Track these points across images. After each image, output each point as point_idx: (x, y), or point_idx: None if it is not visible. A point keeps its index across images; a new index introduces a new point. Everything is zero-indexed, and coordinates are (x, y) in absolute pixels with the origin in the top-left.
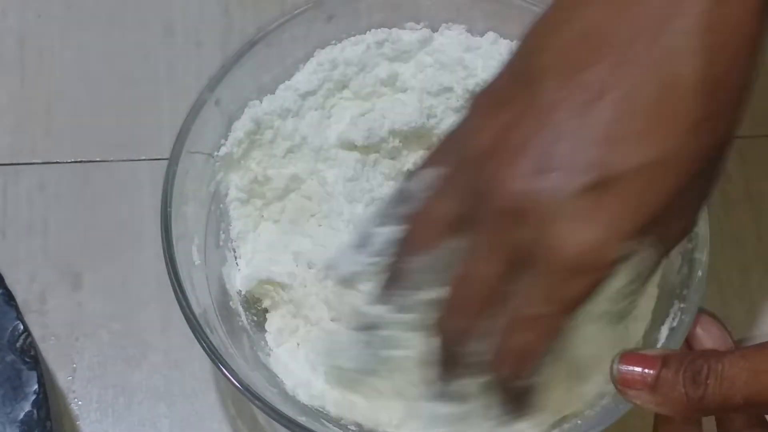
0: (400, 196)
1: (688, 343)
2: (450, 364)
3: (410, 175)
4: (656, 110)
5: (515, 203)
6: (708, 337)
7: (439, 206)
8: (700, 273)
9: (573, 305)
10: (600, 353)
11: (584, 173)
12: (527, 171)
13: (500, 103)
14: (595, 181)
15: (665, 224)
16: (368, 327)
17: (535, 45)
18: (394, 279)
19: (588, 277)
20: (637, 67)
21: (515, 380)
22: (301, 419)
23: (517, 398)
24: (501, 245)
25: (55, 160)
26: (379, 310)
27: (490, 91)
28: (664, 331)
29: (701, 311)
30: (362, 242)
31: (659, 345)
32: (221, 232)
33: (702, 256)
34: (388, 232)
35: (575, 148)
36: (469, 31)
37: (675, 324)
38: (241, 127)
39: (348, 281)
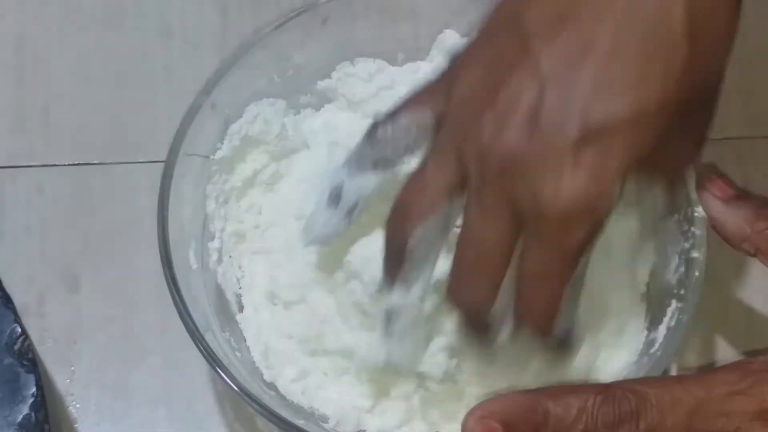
0: (370, 142)
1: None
2: (481, 331)
3: (379, 119)
4: (642, 60)
5: (510, 160)
6: (718, 188)
7: (434, 171)
8: (697, 272)
9: (577, 253)
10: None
11: (574, 126)
12: (519, 127)
13: (489, 57)
14: (584, 133)
15: (661, 158)
16: (387, 319)
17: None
18: (396, 259)
19: (584, 223)
20: (622, 18)
21: (545, 335)
22: (299, 422)
23: (557, 348)
24: (502, 204)
25: (52, 163)
26: (391, 297)
27: (477, 45)
28: (662, 330)
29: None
30: (334, 197)
31: (657, 344)
32: (218, 235)
33: (699, 255)
34: (360, 182)
35: (565, 101)
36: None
37: (673, 324)
38: (237, 131)
39: (324, 242)
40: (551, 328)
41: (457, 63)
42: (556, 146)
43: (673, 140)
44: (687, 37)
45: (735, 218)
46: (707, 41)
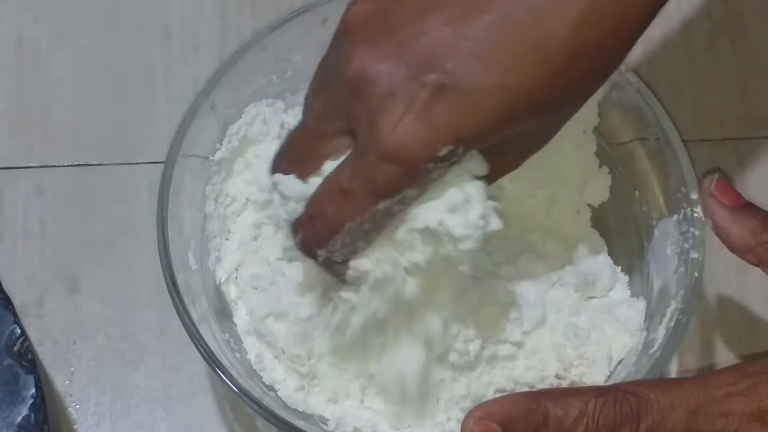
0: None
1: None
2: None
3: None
4: (523, 45)
5: (361, 78)
6: (724, 196)
7: (314, 106)
8: (696, 273)
9: (381, 192)
10: None
11: (435, 72)
12: (383, 53)
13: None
14: (442, 83)
15: (507, 146)
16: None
17: None
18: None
19: (400, 168)
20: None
21: (310, 249)
22: (299, 423)
23: (325, 265)
24: (340, 114)
25: (52, 164)
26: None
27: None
28: (661, 331)
29: (716, 175)
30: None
31: (656, 345)
32: (217, 236)
33: (699, 256)
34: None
35: (437, 50)
36: None
37: (672, 324)
38: (236, 131)
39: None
40: (321, 245)
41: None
42: (413, 84)
43: (529, 126)
44: (575, 29)
45: (740, 228)
46: (601, 31)
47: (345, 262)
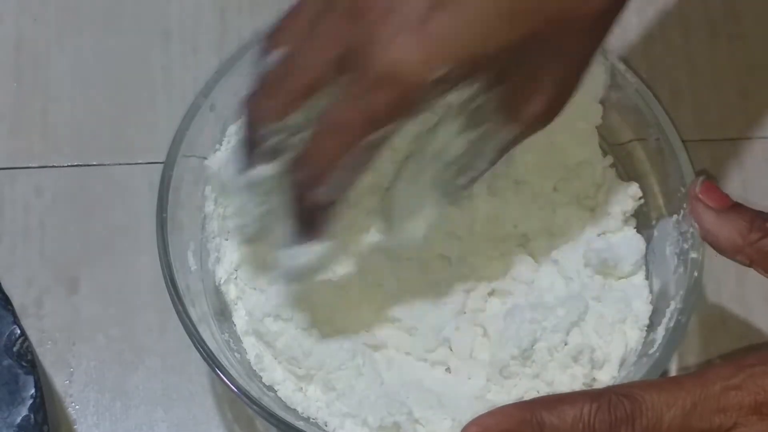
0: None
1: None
2: (248, 152)
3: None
4: None
5: (354, 2)
6: (711, 199)
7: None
8: (696, 273)
9: (377, 119)
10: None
11: None
12: None
13: None
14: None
15: (511, 79)
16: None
17: None
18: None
19: (395, 89)
20: None
21: (309, 187)
22: (299, 424)
23: (310, 217)
24: (335, 38)
25: (51, 164)
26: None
27: None
28: (661, 331)
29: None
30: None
31: (656, 345)
32: (216, 236)
33: (698, 256)
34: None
35: None
36: None
37: (672, 324)
38: (235, 132)
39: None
40: (318, 181)
41: None
42: (409, 2)
43: (531, 73)
44: None
45: (727, 230)
46: None
47: (331, 206)
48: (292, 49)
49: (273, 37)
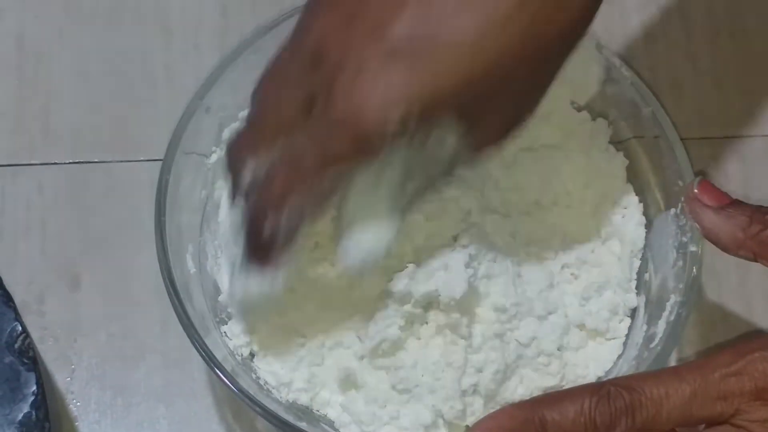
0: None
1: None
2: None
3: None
4: (475, 10)
5: (320, 45)
6: (709, 197)
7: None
8: (695, 266)
9: (331, 162)
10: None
11: (396, 34)
12: (339, 21)
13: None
14: (395, 48)
15: (468, 114)
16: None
17: None
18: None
19: (352, 132)
20: None
21: (259, 220)
22: (301, 424)
23: (261, 247)
24: (301, 80)
25: (53, 161)
26: None
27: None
28: (661, 325)
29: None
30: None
31: (657, 339)
32: (215, 237)
33: (698, 249)
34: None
35: (388, 15)
36: None
37: (672, 318)
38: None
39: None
40: (268, 214)
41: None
42: (369, 47)
43: (488, 108)
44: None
45: (728, 226)
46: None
47: (284, 239)
48: (269, 97)
49: (256, 89)
